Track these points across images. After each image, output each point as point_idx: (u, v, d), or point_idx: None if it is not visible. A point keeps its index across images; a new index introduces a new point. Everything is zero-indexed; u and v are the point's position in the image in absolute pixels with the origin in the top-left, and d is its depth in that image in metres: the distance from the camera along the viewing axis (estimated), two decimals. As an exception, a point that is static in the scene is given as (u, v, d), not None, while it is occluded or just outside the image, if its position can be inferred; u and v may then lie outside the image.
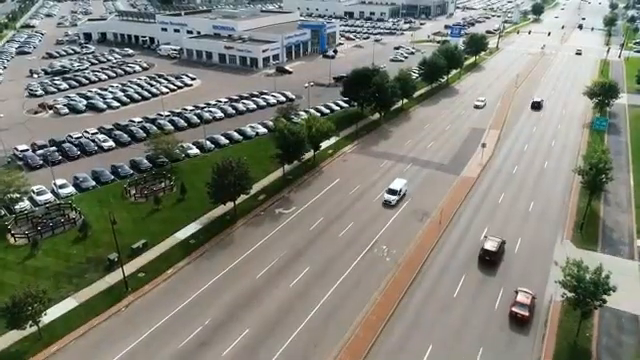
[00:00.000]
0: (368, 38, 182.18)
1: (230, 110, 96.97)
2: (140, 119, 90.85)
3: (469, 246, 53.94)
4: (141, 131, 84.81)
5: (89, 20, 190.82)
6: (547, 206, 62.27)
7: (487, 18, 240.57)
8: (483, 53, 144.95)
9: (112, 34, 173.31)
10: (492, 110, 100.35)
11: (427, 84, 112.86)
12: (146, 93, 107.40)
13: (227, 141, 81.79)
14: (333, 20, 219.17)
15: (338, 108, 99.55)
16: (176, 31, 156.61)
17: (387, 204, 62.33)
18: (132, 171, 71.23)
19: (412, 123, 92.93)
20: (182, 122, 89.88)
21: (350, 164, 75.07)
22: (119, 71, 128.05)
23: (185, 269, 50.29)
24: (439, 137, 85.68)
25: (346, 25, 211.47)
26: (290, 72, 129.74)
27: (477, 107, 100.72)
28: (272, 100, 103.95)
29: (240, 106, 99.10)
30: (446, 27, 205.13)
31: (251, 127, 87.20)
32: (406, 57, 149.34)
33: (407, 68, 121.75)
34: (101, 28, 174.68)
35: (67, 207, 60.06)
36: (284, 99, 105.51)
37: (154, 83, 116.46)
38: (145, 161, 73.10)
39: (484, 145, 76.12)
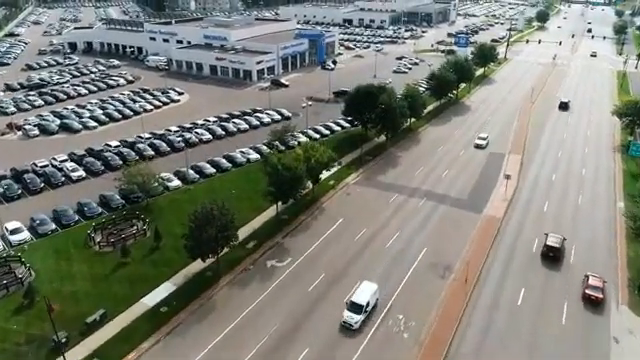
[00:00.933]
0: (369, 47, 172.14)
1: (219, 131, 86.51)
2: (117, 143, 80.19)
3: (504, 316, 43.45)
4: (117, 157, 74.24)
5: (75, 29, 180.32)
6: (591, 257, 51.85)
7: (490, 25, 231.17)
8: (492, 64, 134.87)
9: (99, 44, 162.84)
10: (509, 130, 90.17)
11: (435, 99, 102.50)
12: (127, 111, 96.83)
13: (213, 170, 71.22)
14: (332, 28, 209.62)
15: (339, 129, 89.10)
16: (165, 41, 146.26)
17: (346, 327, 41.65)
18: (101, 209, 60.62)
19: (422, 146, 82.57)
20: (164, 146, 79.33)
21: (355, 199, 64.59)
22: (101, 85, 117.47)
23: (151, 352, 39.60)
24: (454, 164, 75.32)
25: (345, 33, 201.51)
26: (286, 85, 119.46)
27: (478, 147, 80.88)
28: (266, 119, 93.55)
29: (230, 126, 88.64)
30: (449, 35, 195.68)
31: (241, 152, 76.74)
32: (410, 68, 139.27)
33: (413, 82, 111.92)
34: (87, 37, 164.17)
35: (15, 260, 49.36)
36: (279, 118, 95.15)
37: (138, 99, 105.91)
38: (117, 197, 62.45)
39: (508, 177, 65.69)
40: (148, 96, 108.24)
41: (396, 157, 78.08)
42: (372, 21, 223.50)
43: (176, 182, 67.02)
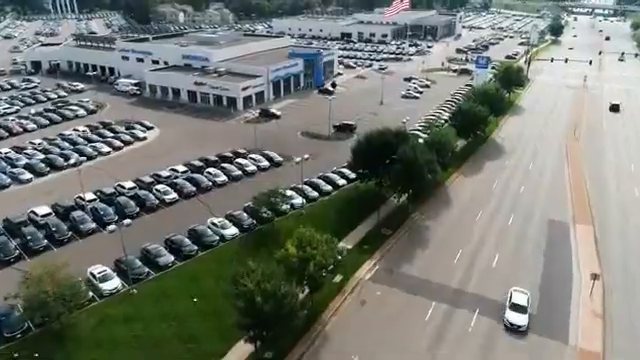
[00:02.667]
0: (371, 66, 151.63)
1: (188, 187, 65.27)
2: (48, 210, 58.72)
3: None
4: (39, 234, 52.97)
5: (42, 45, 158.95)
6: None
7: (500, 39, 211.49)
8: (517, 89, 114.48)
9: (67, 63, 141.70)
10: (562, 182, 69.45)
11: (461, 137, 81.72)
12: (76, 156, 75.45)
13: (170, 259, 49.90)
14: (329, 43, 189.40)
15: (344, 182, 67.91)
16: (139, 61, 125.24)
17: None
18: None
19: (456, 210, 61.53)
20: (109, 213, 57.95)
21: (373, 313, 43.42)
22: (55, 117, 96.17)
23: None
24: (504, 242, 54.33)
25: (344, 49, 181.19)
26: (277, 116, 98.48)
27: (516, 308, 46.55)
28: (250, 167, 72.41)
29: (204, 180, 67.44)
30: (458, 51, 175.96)
31: (213, 225, 55.55)
32: (420, 92, 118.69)
33: (432, 114, 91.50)
34: (53, 56, 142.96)
35: None
36: (267, 165, 74.06)
37: (94, 137, 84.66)
38: None
39: (595, 277, 44.52)
40: (108, 133, 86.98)
41: (424, 229, 57.04)
42: (372, 35, 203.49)
43: (108, 285, 45.52)
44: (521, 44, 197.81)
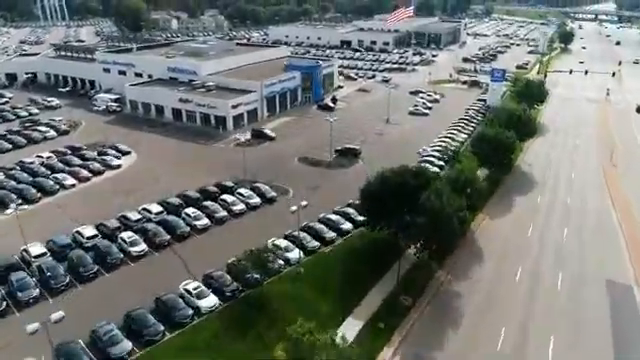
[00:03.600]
0: (374, 77, 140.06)
1: (161, 234, 53.25)
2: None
3: None
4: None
5: (20, 55, 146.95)
6: None
7: (507, 47, 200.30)
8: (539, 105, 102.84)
9: (45, 75, 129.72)
10: (610, 224, 57.73)
11: (484, 167, 69.88)
12: (33, 191, 63.43)
13: (127, 347, 37.82)
14: (328, 51, 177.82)
15: (350, 226, 55.93)
16: (121, 73, 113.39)
17: None
18: None
19: (489, 268, 49.57)
20: (59, 274, 45.88)
21: None
22: (19, 139, 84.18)
23: None
24: (556, 315, 42.43)
25: (344, 58, 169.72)
26: (272, 138, 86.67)
27: None
28: (238, 205, 60.37)
29: (180, 224, 55.36)
30: (465, 60, 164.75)
31: (187, 293, 43.46)
32: (429, 108, 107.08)
33: (447, 135, 80.00)
34: (30, 67, 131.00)
35: None
36: (258, 202, 62.09)
37: (60, 165, 72.62)
38: None
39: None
40: (76, 160, 74.94)
41: (453, 297, 45.10)
42: (373, 43, 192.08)
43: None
44: (530, 52, 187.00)
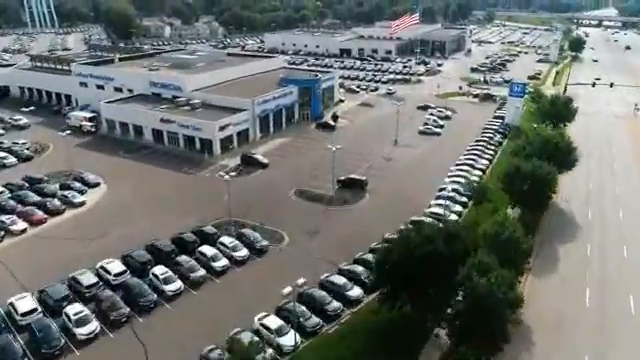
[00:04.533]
0: (377, 90, 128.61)
1: (119, 307, 41.30)
2: None
3: None
4: None
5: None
6: None
7: (514, 55, 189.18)
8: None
9: (19, 89, 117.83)
10: (682, 286, 46.08)
11: (517, 205, 58.00)
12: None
13: None
14: (327, 60, 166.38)
15: (359, 292, 43.91)
16: (99, 87, 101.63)
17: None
18: None
19: (544, 354, 37.79)
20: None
21: None
22: (-28, 168, 72.40)
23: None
24: None
25: (343, 67, 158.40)
26: (264, 165, 74.92)
27: None
28: (219, 261, 48.50)
29: (145, 291, 43.47)
30: (473, 70, 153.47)
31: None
32: (441, 126, 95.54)
33: (466, 161, 68.53)
34: (2, 80, 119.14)
35: None
36: (245, 254, 50.21)
37: (10, 205, 60.60)
38: None
39: None
40: (32, 196, 63.02)
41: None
42: (375, 51, 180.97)
43: None
44: (540, 61, 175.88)
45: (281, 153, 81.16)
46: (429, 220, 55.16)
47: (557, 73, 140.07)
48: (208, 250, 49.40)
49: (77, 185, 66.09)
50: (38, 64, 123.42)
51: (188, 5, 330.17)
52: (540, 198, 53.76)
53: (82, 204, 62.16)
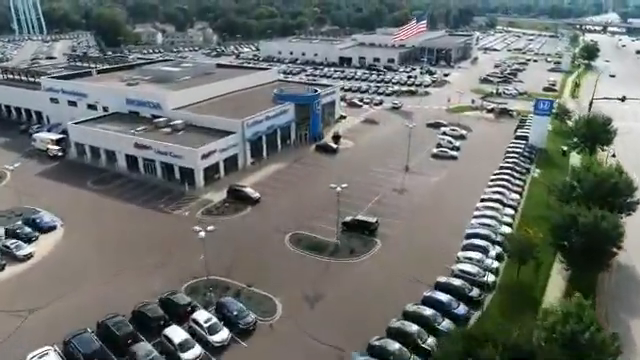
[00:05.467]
0: (381, 103, 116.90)
1: None
2: None
3: None
4: None
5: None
6: None
7: (523, 64, 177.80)
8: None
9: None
10: None
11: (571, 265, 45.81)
12: None
13: None
14: (326, 69, 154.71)
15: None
16: (72, 104, 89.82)
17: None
18: None
19: None
20: None
21: None
22: None
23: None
24: None
25: (343, 77, 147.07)
26: (255, 200, 62.93)
27: None
28: (189, 351, 36.35)
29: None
30: (483, 81, 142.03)
31: None
32: (457, 148, 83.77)
33: (493, 196, 56.77)
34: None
35: None
36: (225, 337, 38.09)
37: (-62, 258, 48.61)
38: None
39: None
40: (-32, 246, 50.95)
41: None
42: (377, 60, 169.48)
43: None
44: (552, 70, 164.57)
45: (275, 184, 69.20)
46: (459, 282, 43.84)
47: (577, 85, 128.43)
48: (176, 335, 37.30)
49: (27, 230, 53.98)
50: (8, 76, 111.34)
51: (183, 11, 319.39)
52: (602, 257, 41.74)
53: (28, 257, 50.09)
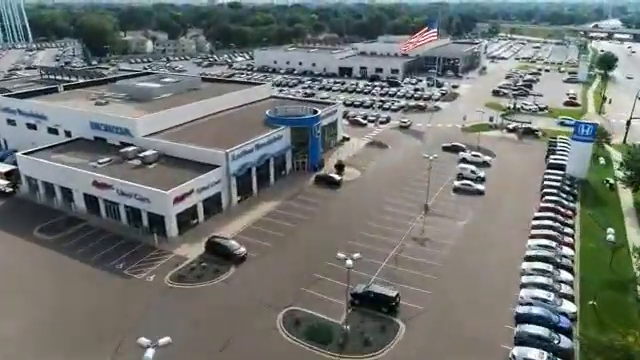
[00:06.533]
0: (388, 121, 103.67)
1: None
2: None
3: None
4: None
5: None
6: None
7: (536, 74, 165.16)
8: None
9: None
10: None
11: None
12: None
13: None
14: (325, 81, 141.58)
15: None
16: (31, 127, 76.24)
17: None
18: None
19: None
20: None
21: None
22: None
23: None
24: None
25: (344, 90, 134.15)
26: (240, 257, 49.25)
27: None
28: None
29: None
30: (495, 93, 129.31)
31: None
32: (482, 179, 70.42)
33: (540, 252, 43.48)
34: None
35: None
36: None
37: None
38: None
39: None
40: None
41: None
42: (379, 70, 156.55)
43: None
44: (568, 81, 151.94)
45: (266, 231, 55.66)
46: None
47: (604, 99, 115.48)
48: None
49: None
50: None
51: (177, 18, 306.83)
52: None
53: None
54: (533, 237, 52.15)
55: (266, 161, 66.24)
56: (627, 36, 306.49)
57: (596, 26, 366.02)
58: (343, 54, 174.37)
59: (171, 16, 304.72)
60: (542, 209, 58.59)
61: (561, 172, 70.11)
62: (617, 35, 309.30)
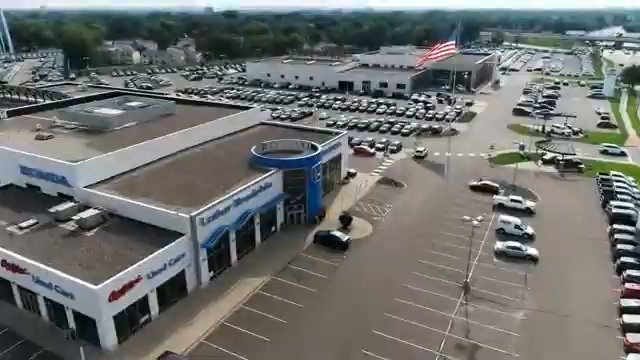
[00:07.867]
0: (400, 149, 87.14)
1: None
2: None
3: None
4: None
5: None
6: None
7: (555, 88, 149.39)
8: None
9: None
10: None
11: None
12: None
13: None
14: (324, 97, 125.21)
15: None
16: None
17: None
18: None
19: None
20: None
21: None
22: None
23: None
24: None
25: (345, 107, 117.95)
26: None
27: None
28: None
29: None
30: (517, 112, 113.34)
31: None
32: (531, 237, 53.80)
33: None
34: None
35: None
36: None
37: None
38: None
39: None
40: None
41: None
42: (384, 85, 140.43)
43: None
44: (593, 97, 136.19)
45: (248, 331, 38.75)
46: None
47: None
48: None
49: None
50: None
51: (168, 27, 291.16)
52: None
53: None
54: (633, 349, 35.47)
55: (250, 220, 49.37)
56: (637, 45, 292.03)
57: (620, 35, 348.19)
58: (343, 67, 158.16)
59: (162, 25, 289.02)
60: (629, 293, 41.96)
61: (631, 228, 53.60)
62: (627, 44, 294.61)
